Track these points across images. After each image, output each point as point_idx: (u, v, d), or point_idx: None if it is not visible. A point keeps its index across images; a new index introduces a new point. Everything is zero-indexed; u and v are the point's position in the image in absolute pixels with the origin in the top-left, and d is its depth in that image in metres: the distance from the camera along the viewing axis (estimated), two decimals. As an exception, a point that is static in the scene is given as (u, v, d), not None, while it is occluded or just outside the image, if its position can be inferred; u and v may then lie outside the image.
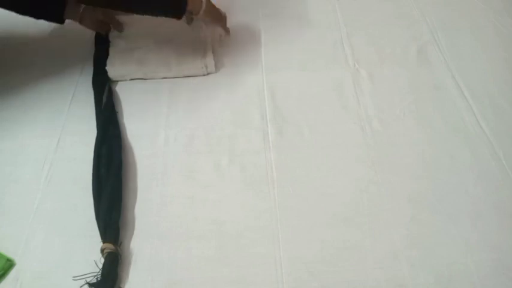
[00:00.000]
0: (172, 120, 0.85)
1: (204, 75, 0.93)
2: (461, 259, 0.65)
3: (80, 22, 0.94)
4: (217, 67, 0.94)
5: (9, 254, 0.67)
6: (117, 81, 0.93)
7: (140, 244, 0.69)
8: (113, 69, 0.92)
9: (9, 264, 0.66)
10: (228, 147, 0.80)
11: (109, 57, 0.93)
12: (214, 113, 0.86)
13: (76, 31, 1.02)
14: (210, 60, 0.92)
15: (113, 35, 0.98)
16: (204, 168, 0.77)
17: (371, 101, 0.86)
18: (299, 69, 0.93)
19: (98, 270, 0.64)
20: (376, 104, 0.85)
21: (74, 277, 0.64)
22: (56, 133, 0.83)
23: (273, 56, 0.96)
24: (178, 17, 0.83)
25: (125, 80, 0.93)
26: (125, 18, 0.99)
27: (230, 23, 1.00)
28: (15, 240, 0.69)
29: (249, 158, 0.78)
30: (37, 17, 0.88)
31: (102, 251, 0.66)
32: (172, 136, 0.82)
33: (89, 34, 1.00)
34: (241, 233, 0.69)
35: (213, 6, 0.89)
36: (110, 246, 0.65)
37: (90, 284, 0.63)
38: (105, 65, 0.93)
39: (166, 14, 0.82)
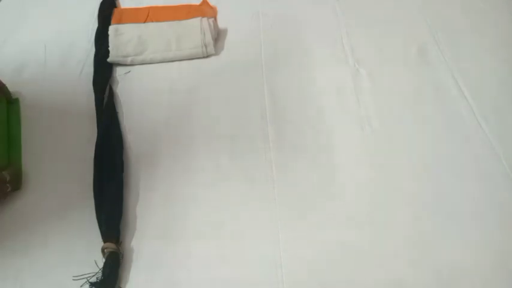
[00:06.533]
0: (173, 120, 0.85)
1: (204, 57, 0.94)
2: (461, 259, 0.65)
3: None
4: (217, 67, 0.94)
5: (9, 254, 0.67)
6: (118, 64, 0.94)
7: (140, 244, 0.69)
8: (115, 50, 0.94)
9: None
10: (228, 147, 0.80)
11: (110, 39, 0.95)
12: (214, 112, 0.86)
13: (76, 32, 1.02)
14: (209, 40, 0.94)
15: (112, 27, 0.99)
16: (204, 168, 0.77)
17: (371, 101, 0.86)
18: (299, 69, 0.93)
19: (98, 270, 0.64)
20: (376, 104, 0.85)
21: (74, 277, 0.64)
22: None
23: (273, 56, 0.96)
24: None
25: (126, 65, 0.94)
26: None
27: (230, 23, 1.00)
28: (15, 240, 0.69)
29: (249, 158, 0.78)
30: None
31: (102, 250, 0.66)
32: (173, 136, 0.82)
33: (89, 34, 1.01)
34: (241, 233, 0.69)
35: None
36: (111, 246, 0.66)
37: (91, 283, 0.63)
38: (105, 65, 0.93)
39: None
